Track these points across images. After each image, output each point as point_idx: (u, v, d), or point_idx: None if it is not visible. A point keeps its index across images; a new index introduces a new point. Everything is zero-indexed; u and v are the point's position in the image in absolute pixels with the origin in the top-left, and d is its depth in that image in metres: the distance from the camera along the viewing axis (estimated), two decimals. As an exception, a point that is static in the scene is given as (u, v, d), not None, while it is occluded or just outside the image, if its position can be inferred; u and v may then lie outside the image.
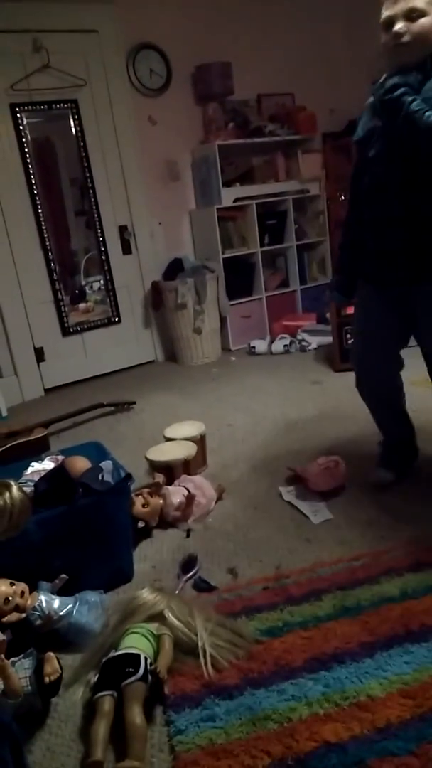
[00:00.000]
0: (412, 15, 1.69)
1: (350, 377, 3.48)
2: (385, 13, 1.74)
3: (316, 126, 4.81)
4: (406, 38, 1.70)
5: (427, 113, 1.66)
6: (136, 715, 1.30)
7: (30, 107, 3.90)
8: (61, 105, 4.01)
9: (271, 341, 4.47)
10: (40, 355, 4.20)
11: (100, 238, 4.31)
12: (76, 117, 4.07)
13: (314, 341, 4.31)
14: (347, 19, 4.80)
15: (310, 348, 4.30)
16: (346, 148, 4.89)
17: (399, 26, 1.70)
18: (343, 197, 4.85)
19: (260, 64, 4.65)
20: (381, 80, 1.78)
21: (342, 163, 4.97)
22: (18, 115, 3.86)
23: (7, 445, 2.82)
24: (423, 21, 1.69)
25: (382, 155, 1.85)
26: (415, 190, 1.81)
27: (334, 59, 4.95)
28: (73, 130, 4.10)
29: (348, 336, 3.62)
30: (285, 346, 4.35)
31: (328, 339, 3.95)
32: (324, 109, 4.94)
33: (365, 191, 1.95)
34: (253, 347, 4.47)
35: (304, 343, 4.33)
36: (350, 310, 3.55)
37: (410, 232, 1.86)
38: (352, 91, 5.02)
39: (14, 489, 1.63)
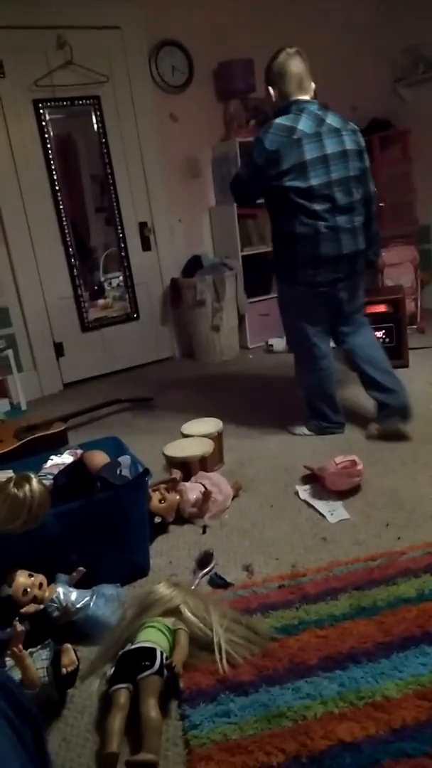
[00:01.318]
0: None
1: (369, 377, 3.48)
2: None
3: (338, 124, 4.77)
4: None
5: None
6: (151, 708, 1.30)
7: (53, 103, 3.93)
8: (84, 101, 4.03)
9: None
10: (59, 350, 4.23)
11: (120, 235, 4.33)
12: (98, 113, 4.09)
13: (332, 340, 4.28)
14: (371, 14, 4.76)
15: (328, 347, 4.27)
16: (368, 146, 4.86)
17: None
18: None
19: (283, 61, 4.62)
20: None
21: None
22: (41, 111, 3.89)
23: (27, 439, 2.85)
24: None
25: None
26: None
27: (357, 56, 4.91)
28: (95, 126, 4.12)
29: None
30: (303, 344, 4.33)
31: (347, 338, 3.93)
32: (346, 107, 4.89)
33: None
34: (271, 345, 4.46)
35: (322, 342, 4.30)
36: (377, 308, 3.59)
37: None
38: (375, 88, 5.00)
39: (34, 482, 1.65)
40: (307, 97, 2.53)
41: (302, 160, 2.40)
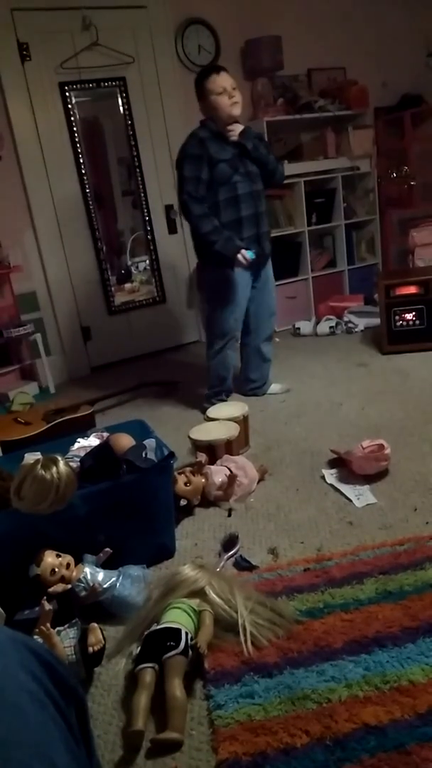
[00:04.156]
0: (234, 87, 2.80)
1: (398, 360, 3.44)
2: (220, 84, 2.75)
3: (368, 100, 4.67)
4: (239, 100, 2.81)
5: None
6: (176, 687, 1.32)
7: (78, 86, 3.92)
8: (109, 83, 4.01)
9: (317, 323, 4.41)
10: (86, 334, 4.26)
11: (147, 218, 4.32)
12: (124, 95, 4.07)
13: (361, 323, 4.23)
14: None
15: (356, 330, 4.22)
16: (399, 123, 4.75)
17: (236, 94, 2.77)
18: (395, 174, 4.71)
19: (311, 37, 4.52)
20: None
21: (394, 139, 4.83)
22: (67, 94, 3.88)
23: (55, 422, 2.88)
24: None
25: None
26: None
27: (388, 30, 4.78)
28: (121, 108, 4.10)
29: (397, 317, 3.54)
30: (331, 327, 4.29)
31: (376, 321, 3.87)
32: (376, 83, 4.78)
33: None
34: (298, 329, 4.42)
35: (350, 325, 4.25)
36: (407, 289, 3.50)
37: None
38: (407, 64, 4.87)
39: (61, 464, 1.67)
40: None
41: None
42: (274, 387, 3.27)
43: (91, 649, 1.41)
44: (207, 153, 2.77)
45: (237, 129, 2.83)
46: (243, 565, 1.83)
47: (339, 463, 2.33)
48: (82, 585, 1.63)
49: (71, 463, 1.83)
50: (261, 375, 3.26)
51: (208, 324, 3.10)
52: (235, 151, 2.83)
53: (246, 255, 2.80)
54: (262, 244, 2.96)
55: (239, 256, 2.79)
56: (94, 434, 2.29)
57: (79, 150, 3.99)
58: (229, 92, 2.76)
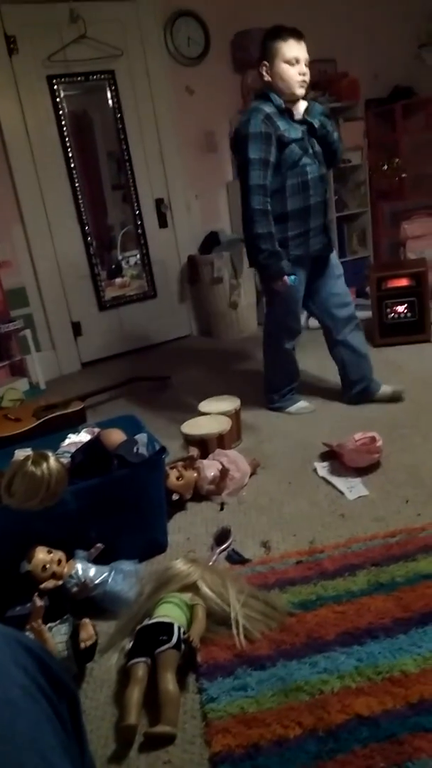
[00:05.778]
0: (307, 64, 2.45)
1: (390, 352, 3.44)
2: (293, 52, 2.43)
3: (359, 92, 4.65)
4: (308, 79, 2.45)
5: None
6: (168, 681, 1.32)
7: (67, 79, 3.88)
8: (98, 76, 3.97)
9: (309, 316, 4.39)
10: (77, 329, 4.24)
11: (137, 212, 4.29)
12: (113, 88, 4.04)
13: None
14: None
15: (348, 323, 4.21)
16: (390, 115, 4.74)
17: (306, 71, 2.44)
18: (386, 167, 4.70)
19: (301, 29, 4.47)
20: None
21: (385, 131, 4.82)
22: (55, 87, 3.84)
23: (45, 418, 2.87)
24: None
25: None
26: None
27: (378, 22, 4.76)
28: (110, 102, 4.07)
29: (388, 310, 3.54)
30: (322, 320, 4.27)
31: (368, 313, 3.86)
32: (367, 75, 4.77)
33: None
34: (290, 322, 4.41)
35: (342, 318, 4.24)
36: (399, 281, 3.48)
37: None
38: (398, 55, 4.85)
39: (51, 460, 1.66)
40: None
41: None
42: (385, 389, 2.81)
43: (83, 645, 1.41)
44: (276, 131, 2.39)
45: (301, 106, 2.49)
46: (235, 558, 1.82)
47: (331, 455, 2.33)
48: (74, 581, 1.62)
49: (62, 459, 1.82)
50: (361, 374, 2.80)
51: (275, 321, 2.80)
52: (303, 129, 2.48)
53: (287, 281, 2.46)
54: (329, 234, 2.70)
55: (279, 281, 2.47)
56: (85, 430, 2.28)
57: (68, 144, 3.96)
58: (301, 66, 2.43)
